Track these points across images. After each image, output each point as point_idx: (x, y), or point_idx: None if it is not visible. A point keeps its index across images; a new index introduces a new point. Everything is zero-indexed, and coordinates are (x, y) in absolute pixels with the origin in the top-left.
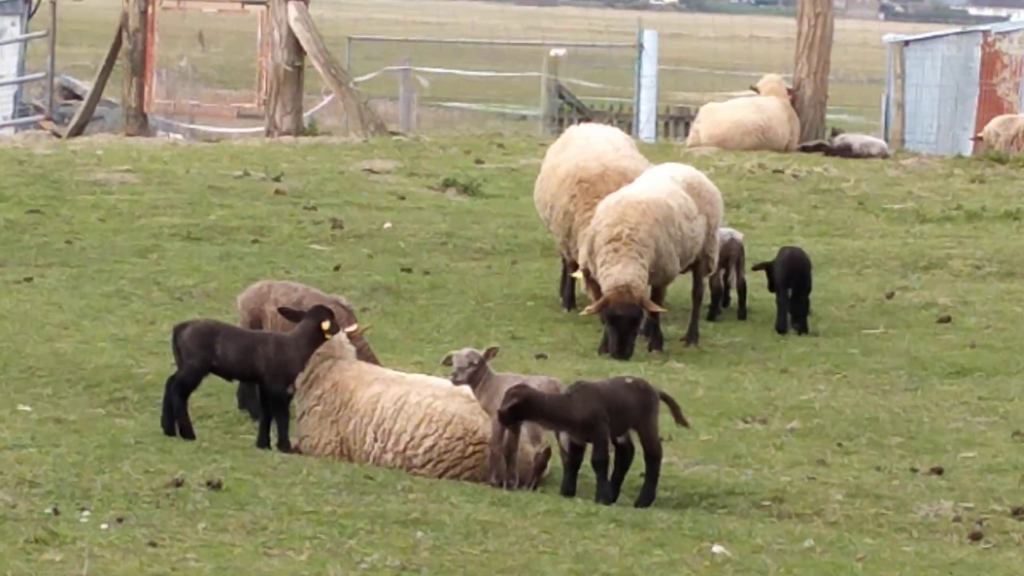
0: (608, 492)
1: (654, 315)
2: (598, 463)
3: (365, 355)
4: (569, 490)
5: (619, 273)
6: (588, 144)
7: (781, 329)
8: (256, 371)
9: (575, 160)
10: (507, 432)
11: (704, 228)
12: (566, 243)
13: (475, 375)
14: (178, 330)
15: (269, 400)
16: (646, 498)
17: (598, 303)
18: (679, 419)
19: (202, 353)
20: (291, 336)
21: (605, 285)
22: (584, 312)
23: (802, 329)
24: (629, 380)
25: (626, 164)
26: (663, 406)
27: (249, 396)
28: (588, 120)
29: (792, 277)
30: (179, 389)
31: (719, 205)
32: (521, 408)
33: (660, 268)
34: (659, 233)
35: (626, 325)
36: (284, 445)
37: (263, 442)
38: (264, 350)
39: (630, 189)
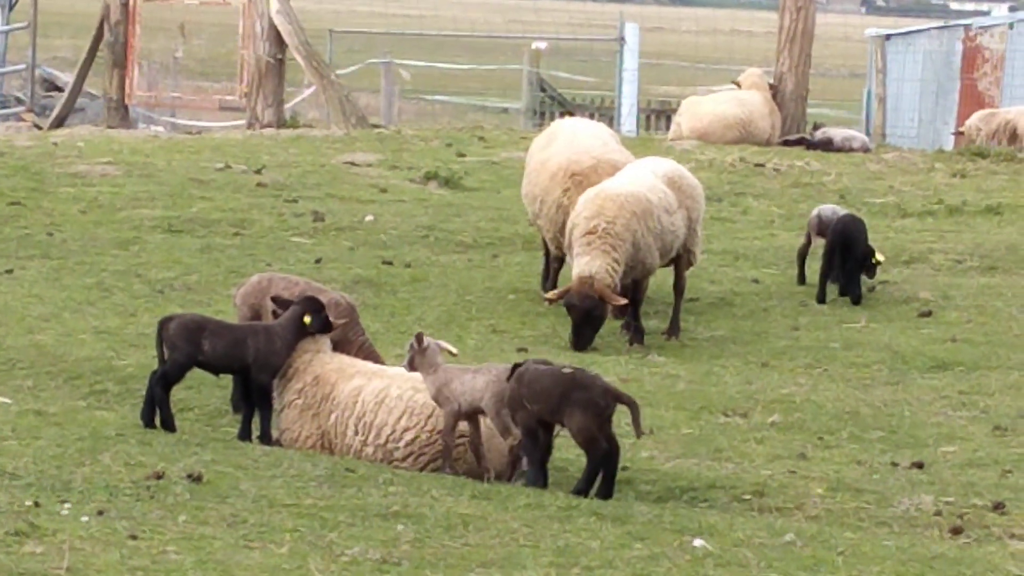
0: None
1: (625, 309)
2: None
3: (366, 351)
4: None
5: (586, 265)
6: (576, 138)
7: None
8: (244, 363)
9: (566, 154)
10: (469, 425)
11: (684, 222)
12: (557, 237)
13: (411, 360)
14: (164, 324)
15: (254, 392)
16: (578, 485)
17: (560, 291)
18: (635, 427)
19: (188, 347)
20: (278, 325)
21: (573, 275)
22: (545, 296)
23: (853, 299)
24: (567, 369)
25: (616, 157)
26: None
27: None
28: (571, 114)
29: (836, 245)
30: (162, 382)
31: (700, 199)
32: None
33: (639, 261)
34: (637, 226)
35: (582, 316)
36: (266, 438)
37: (245, 435)
38: (254, 341)
39: (610, 182)
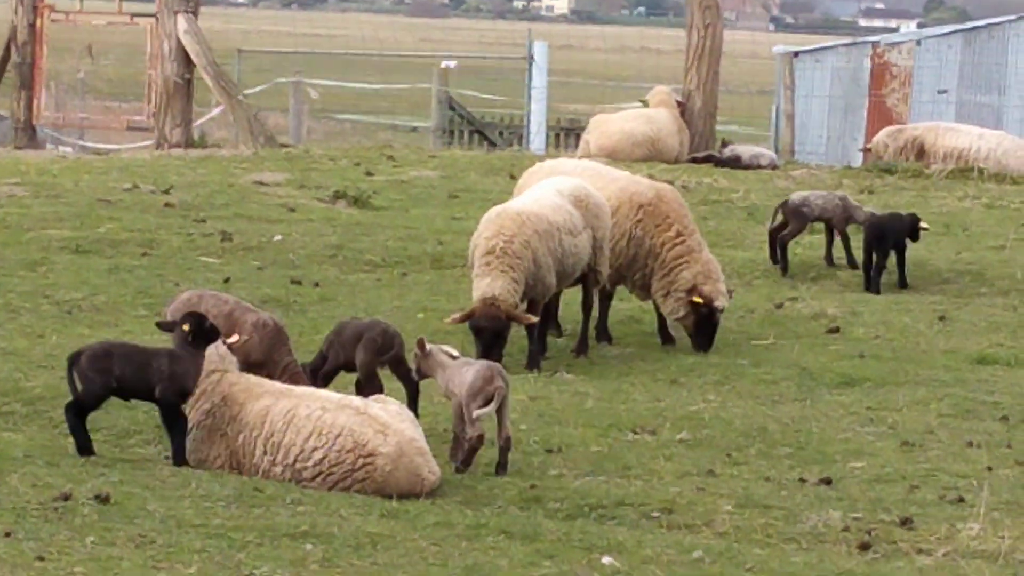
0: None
1: (531, 326)
2: None
3: (290, 373)
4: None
5: (487, 286)
6: (596, 170)
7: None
8: (152, 387)
9: (612, 187)
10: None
11: (589, 243)
12: (620, 271)
13: (418, 366)
14: (74, 359)
15: (163, 413)
16: None
17: (463, 313)
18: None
19: (101, 378)
20: (177, 347)
21: (474, 296)
22: (447, 321)
23: (873, 290)
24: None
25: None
26: None
27: None
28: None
29: (871, 241)
30: (75, 408)
31: (606, 218)
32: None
33: (538, 280)
34: (537, 245)
35: (490, 337)
36: (177, 459)
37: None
38: (157, 363)
39: (514, 202)
